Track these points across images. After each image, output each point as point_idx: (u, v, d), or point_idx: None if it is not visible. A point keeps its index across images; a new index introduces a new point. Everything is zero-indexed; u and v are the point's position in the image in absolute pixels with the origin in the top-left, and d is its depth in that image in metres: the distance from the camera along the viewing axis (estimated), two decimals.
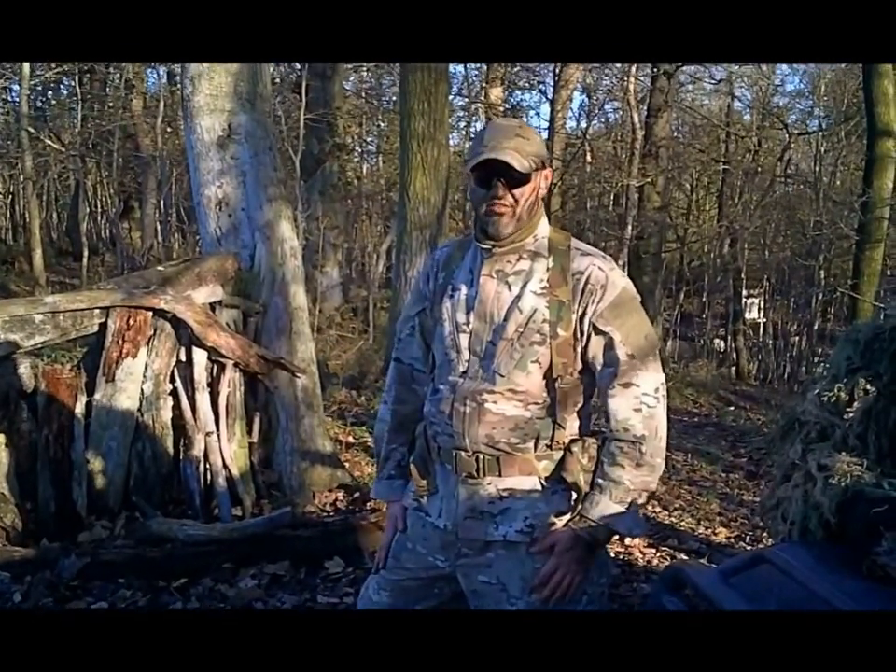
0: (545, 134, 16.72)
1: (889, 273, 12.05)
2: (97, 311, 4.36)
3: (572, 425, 2.10)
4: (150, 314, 4.40)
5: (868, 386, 2.01)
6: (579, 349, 2.05)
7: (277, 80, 12.95)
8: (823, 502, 1.89)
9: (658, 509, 5.58)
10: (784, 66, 19.27)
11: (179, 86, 6.46)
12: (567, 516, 2.07)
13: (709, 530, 5.18)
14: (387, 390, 2.36)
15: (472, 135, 11.83)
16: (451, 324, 2.10)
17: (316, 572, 3.98)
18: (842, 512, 1.86)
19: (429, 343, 2.22)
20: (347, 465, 5.41)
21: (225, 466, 4.53)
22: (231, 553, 3.97)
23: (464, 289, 2.11)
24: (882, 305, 9.15)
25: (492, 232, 2.04)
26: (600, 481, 2.04)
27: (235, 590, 3.80)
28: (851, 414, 2.01)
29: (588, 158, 19.26)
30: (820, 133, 18.54)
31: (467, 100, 17.33)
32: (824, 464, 1.94)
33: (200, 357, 4.50)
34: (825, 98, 18.91)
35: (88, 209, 16.65)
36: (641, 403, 2.02)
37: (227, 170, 4.76)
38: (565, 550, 2.03)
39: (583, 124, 19.75)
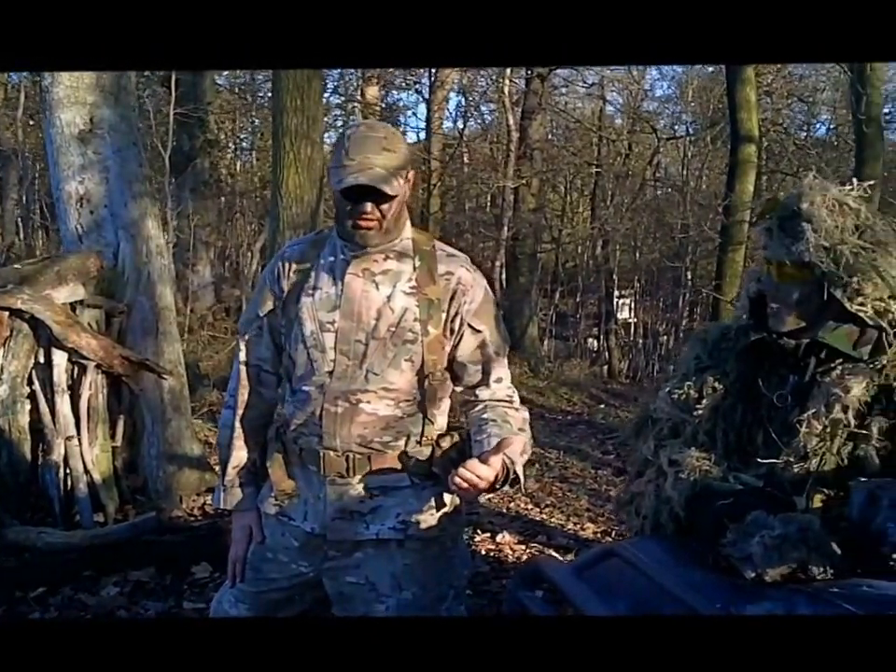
0: (422, 135, 16.78)
1: None
2: None
3: (440, 420, 2.15)
4: (6, 313, 4.22)
5: (716, 384, 2.08)
6: (448, 347, 2.09)
7: (147, 73, 12.59)
8: (673, 496, 1.94)
9: (530, 506, 5.67)
10: (654, 71, 19.84)
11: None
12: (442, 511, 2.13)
13: (578, 526, 5.29)
14: (231, 394, 2.27)
15: None
16: (313, 323, 2.08)
17: (183, 578, 3.91)
18: (691, 506, 1.92)
19: (278, 343, 2.19)
20: (217, 468, 5.31)
21: (86, 471, 4.38)
22: (93, 560, 3.87)
23: (326, 287, 2.08)
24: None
25: (359, 243, 2.03)
26: (496, 430, 2.01)
27: (97, 598, 3.70)
28: (700, 411, 2.07)
29: (465, 159, 19.40)
30: (688, 138, 19.16)
31: (343, 98, 17.23)
32: (675, 459, 2.00)
33: (60, 358, 4.35)
34: (692, 104, 19.51)
35: None
36: (510, 396, 2.16)
37: (89, 165, 4.60)
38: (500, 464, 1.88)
39: (460, 125, 19.86)
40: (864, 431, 1.89)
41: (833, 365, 1.95)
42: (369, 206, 1.96)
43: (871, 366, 1.92)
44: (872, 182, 2.06)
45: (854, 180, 2.02)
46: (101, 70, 4.33)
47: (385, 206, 1.98)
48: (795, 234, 1.93)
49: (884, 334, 1.94)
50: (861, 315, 1.94)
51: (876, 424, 1.88)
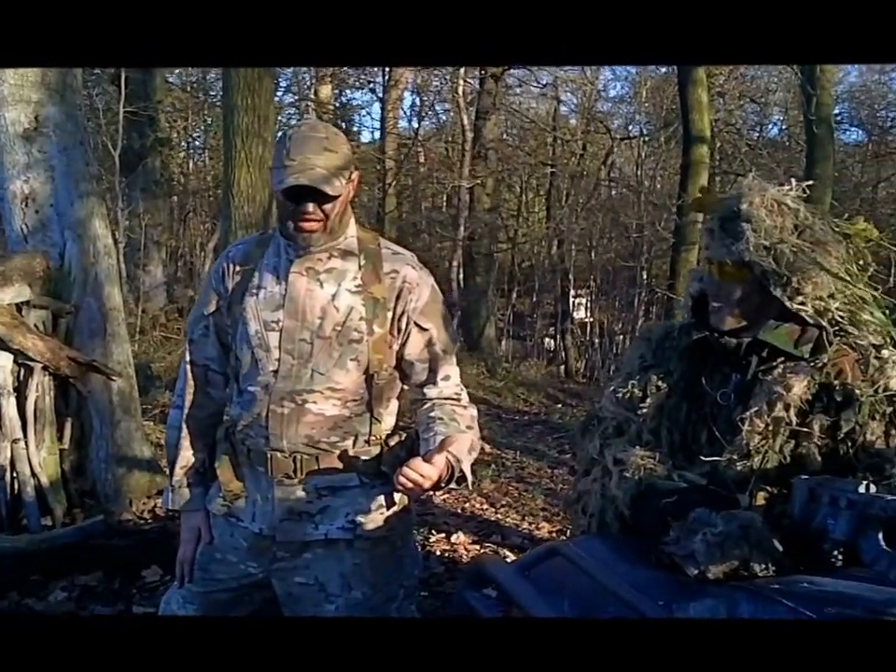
0: (377, 134, 16.74)
1: None
2: None
3: (388, 419, 2.15)
4: None
5: (660, 383, 2.09)
6: (395, 346, 2.09)
7: (97, 71, 12.40)
8: (618, 495, 1.95)
9: (485, 506, 5.67)
10: (607, 72, 19.93)
11: None
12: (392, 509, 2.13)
13: (533, 525, 5.29)
14: (179, 394, 2.26)
15: None
16: (257, 322, 2.06)
17: (132, 582, 3.85)
18: (635, 505, 1.93)
19: (225, 343, 2.17)
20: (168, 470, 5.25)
21: (33, 474, 4.31)
22: (40, 565, 3.80)
23: (270, 287, 2.07)
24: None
25: (302, 245, 2.01)
26: (442, 429, 2.01)
27: (44, 604, 3.64)
28: (645, 410, 2.09)
29: (421, 159, 19.37)
30: (642, 139, 19.30)
31: (296, 97, 17.10)
32: (620, 458, 2.01)
33: (5, 360, 4.26)
34: (646, 104, 19.64)
35: None
36: (458, 395, 2.14)
37: (34, 164, 4.51)
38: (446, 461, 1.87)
39: (415, 124, 19.82)
40: (806, 429, 1.91)
41: (774, 363, 1.97)
42: (310, 207, 1.95)
43: (812, 364, 1.94)
44: (809, 182, 2.08)
45: (792, 180, 2.05)
46: (49, 66, 4.25)
47: (327, 207, 1.97)
48: (735, 235, 1.95)
49: (824, 333, 1.97)
50: (802, 313, 1.96)
51: (818, 422, 1.90)
